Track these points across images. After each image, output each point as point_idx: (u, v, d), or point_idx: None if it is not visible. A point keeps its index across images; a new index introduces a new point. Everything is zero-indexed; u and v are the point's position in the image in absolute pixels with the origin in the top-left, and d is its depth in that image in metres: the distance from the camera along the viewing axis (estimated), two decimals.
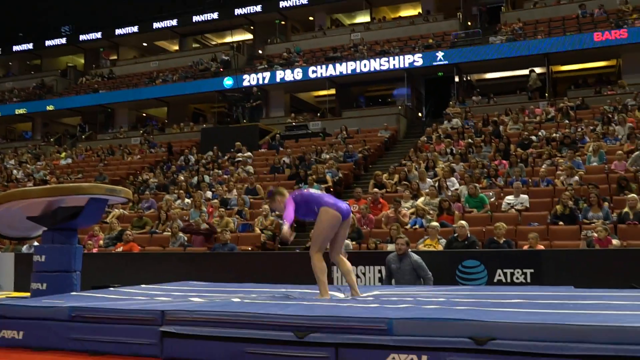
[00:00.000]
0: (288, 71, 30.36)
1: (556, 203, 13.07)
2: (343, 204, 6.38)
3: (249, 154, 22.85)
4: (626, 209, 12.18)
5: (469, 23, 32.68)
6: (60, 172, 25.73)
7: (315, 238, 6.35)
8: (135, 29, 40.40)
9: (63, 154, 30.10)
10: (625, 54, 26.23)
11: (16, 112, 37.41)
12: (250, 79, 30.77)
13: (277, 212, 6.65)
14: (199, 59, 35.20)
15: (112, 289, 7.65)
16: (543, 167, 15.85)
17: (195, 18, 38.73)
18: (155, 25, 39.67)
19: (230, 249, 13.25)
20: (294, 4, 36.39)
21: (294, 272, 10.08)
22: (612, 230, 11.58)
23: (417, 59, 27.87)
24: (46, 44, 42.83)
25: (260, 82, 30.59)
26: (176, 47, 41.26)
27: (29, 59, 45.45)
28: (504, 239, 11.29)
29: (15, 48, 43.70)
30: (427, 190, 14.79)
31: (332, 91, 31.11)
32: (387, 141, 23.76)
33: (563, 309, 4.62)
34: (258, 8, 37.10)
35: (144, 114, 38.58)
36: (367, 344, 4.28)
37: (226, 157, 23.18)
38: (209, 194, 18.37)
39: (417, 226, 13.30)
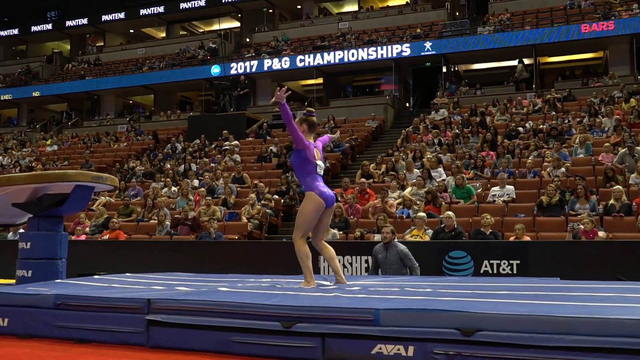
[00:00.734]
0: (276, 60, 30.26)
1: (542, 194, 13.12)
2: (328, 191, 6.36)
3: (236, 142, 22.80)
4: (612, 201, 12.25)
5: (457, 13, 32.68)
6: (46, 159, 25.62)
7: (299, 224, 6.33)
8: (122, 15, 40.06)
9: (49, 141, 29.95)
10: (612, 45, 26.36)
11: (1, 98, 37.11)
12: (237, 67, 30.68)
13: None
14: (186, 47, 35.04)
15: (97, 276, 7.62)
16: (530, 158, 15.90)
17: (183, 5, 38.46)
18: (142, 11, 39.38)
19: (217, 238, 13.24)
20: None
21: (281, 262, 10.09)
22: (599, 222, 11.64)
23: (405, 49, 27.86)
24: (32, 30, 42.43)
25: (248, 70, 30.51)
26: (163, 34, 41.01)
27: (15, 44, 45.06)
28: (491, 230, 11.33)
29: (1, 33, 43.29)
30: (414, 181, 14.81)
31: (320, 80, 31.05)
32: (374, 131, 23.76)
33: (549, 301, 4.62)
34: None
35: (131, 101, 38.38)
36: (354, 334, 4.27)
37: (213, 146, 23.14)
38: (195, 182, 18.33)
39: (404, 216, 13.33)
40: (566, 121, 18.83)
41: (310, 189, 6.27)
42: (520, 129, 18.72)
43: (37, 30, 42.33)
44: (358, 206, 14.19)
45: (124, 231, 14.64)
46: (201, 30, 41.52)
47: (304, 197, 6.35)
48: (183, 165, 20.65)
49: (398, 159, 16.97)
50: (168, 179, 18.67)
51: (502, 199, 13.66)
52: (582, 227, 10.84)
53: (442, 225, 11.48)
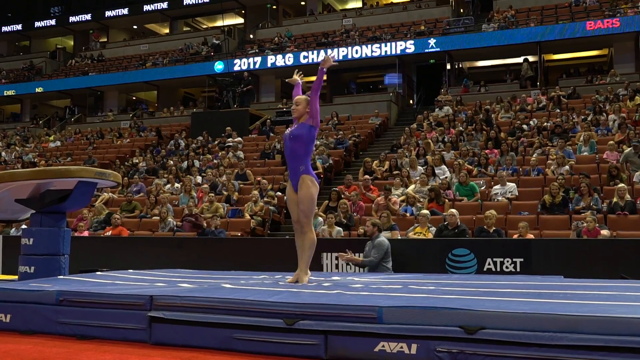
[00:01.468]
0: (279, 56, 30.24)
1: (546, 192, 13.09)
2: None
3: (239, 139, 22.79)
4: (615, 199, 12.22)
5: (462, 10, 32.65)
6: (49, 154, 25.64)
7: (309, 211, 6.27)
8: (125, 11, 40.05)
9: (52, 137, 29.99)
10: (617, 43, 26.29)
11: (5, 94, 37.17)
12: (241, 64, 30.66)
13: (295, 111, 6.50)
14: (190, 43, 35.02)
15: (99, 273, 7.63)
16: (534, 156, 15.87)
17: (186, 1, 38.41)
18: (146, 7, 39.32)
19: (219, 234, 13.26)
20: None
21: (284, 259, 10.07)
22: (602, 221, 11.62)
23: (409, 46, 27.83)
24: (35, 25, 42.41)
25: (251, 67, 30.49)
26: (167, 30, 41.00)
27: (18, 40, 45.06)
28: (494, 228, 11.31)
29: (4, 29, 43.25)
30: (417, 178, 14.80)
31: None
32: (378, 128, 23.75)
33: (553, 299, 4.62)
34: None
35: (134, 98, 38.42)
36: (357, 332, 4.27)
37: (216, 142, 23.15)
38: (198, 178, 18.34)
39: (407, 214, 13.32)
40: (571, 119, 18.79)
41: (309, 172, 6.23)
42: (525, 126, 18.69)
43: (40, 25, 42.31)
44: (361, 203, 14.18)
45: (127, 227, 14.65)
46: (205, 27, 41.53)
47: (303, 180, 6.23)
48: (186, 162, 20.66)
49: (401, 156, 16.96)
50: (171, 176, 18.69)
51: (504, 196, 13.64)
52: (585, 225, 10.82)
53: (445, 223, 11.47)
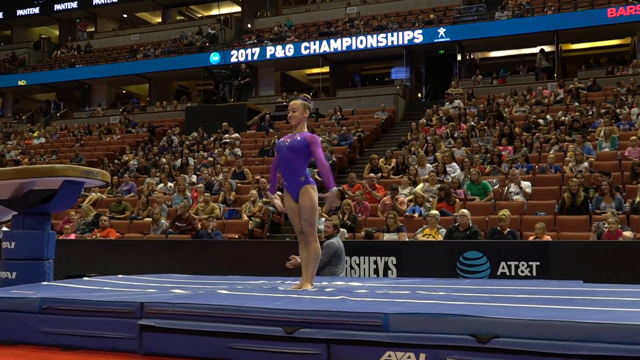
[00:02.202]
0: (279, 47, 30.23)
1: (564, 191, 13.06)
2: None
3: (237, 135, 22.81)
4: (639, 198, 12.20)
5: None
6: (33, 152, 25.68)
7: (312, 220, 6.28)
8: None
9: (36, 133, 30.00)
10: None
11: None
12: (238, 55, 30.66)
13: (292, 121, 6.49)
14: (184, 33, 35.01)
15: (87, 278, 7.62)
16: (551, 152, 15.85)
17: None
18: None
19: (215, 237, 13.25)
20: None
21: (284, 262, 10.04)
22: (625, 222, 11.59)
23: (417, 36, 27.78)
24: (17, 14, 42.28)
25: (249, 58, 30.48)
26: (159, 20, 40.96)
27: None
28: (509, 229, 11.30)
29: None
30: (426, 176, 14.79)
31: (326, 69, 31.02)
32: (384, 123, 23.73)
33: (571, 305, 4.61)
34: None
35: (124, 91, 38.43)
36: (361, 341, 4.26)
37: (212, 139, 23.15)
38: (193, 177, 18.35)
39: (415, 214, 13.31)
40: (590, 113, 18.77)
41: (309, 181, 6.25)
42: (541, 121, 18.67)
43: (23, 14, 42.21)
44: (366, 203, 14.18)
45: (116, 230, 14.66)
46: (199, 15, 41.51)
47: (305, 189, 6.23)
48: (180, 160, 20.66)
49: (409, 153, 16.95)
50: (164, 174, 18.70)
51: (518, 196, 13.60)
52: (606, 227, 10.79)
53: (456, 224, 11.47)
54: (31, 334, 5.33)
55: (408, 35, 27.91)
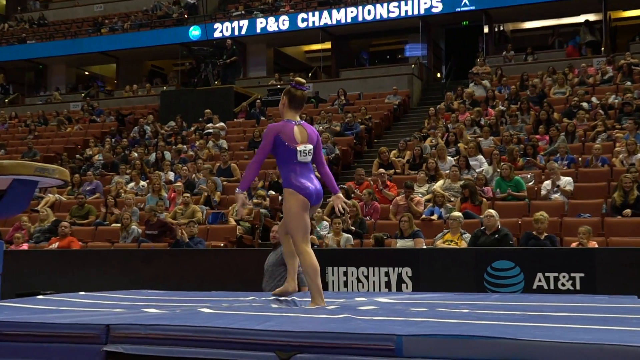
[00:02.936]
0: (271, 19, 30.23)
1: (614, 189, 13.03)
2: (313, 184, 6.28)
3: (222, 124, 22.83)
4: None
5: None
6: None
7: (294, 229, 6.27)
8: None
9: None
10: None
11: None
12: (223, 29, 30.66)
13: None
14: (157, 3, 35.01)
15: (41, 297, 7.61)
16: (597, 142, 15.83)
17: None
18: None
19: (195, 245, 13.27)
20: None
21: None
22: None
23: (436, 4, 27.70)
24: None
25: (236, 33, 30.48)
26: None
27: None
28: (546, 234, 11.29)
29: None
30: (447, 172, 14.79)
31: (328, 45, 31.06)
32: (396, 109, 23.75)
33: (624, 326, 4.59)
34: None
35: (87, 72, 38.48)
36: None
37: (193, 129, 23.18)
38: (170, 175, 18.36)
39: (434, 217, 13.30)
40: None
41: (288, 184, 6.22)
42: (585, 104, 18.64)
43: None
44: (376, 204, 14.18)
45: (78, 238, 14.66)
46: None
47: (285, 195, 6.27)
48: (154, 154, 20.70)
49: (427, 145, 16.95)
50: (135, 172, 18.71)
51: (557, 195, 13.58)
52: None
53: (482, 228, 11.46)
54: None
55: (425, 3, 27.81)
